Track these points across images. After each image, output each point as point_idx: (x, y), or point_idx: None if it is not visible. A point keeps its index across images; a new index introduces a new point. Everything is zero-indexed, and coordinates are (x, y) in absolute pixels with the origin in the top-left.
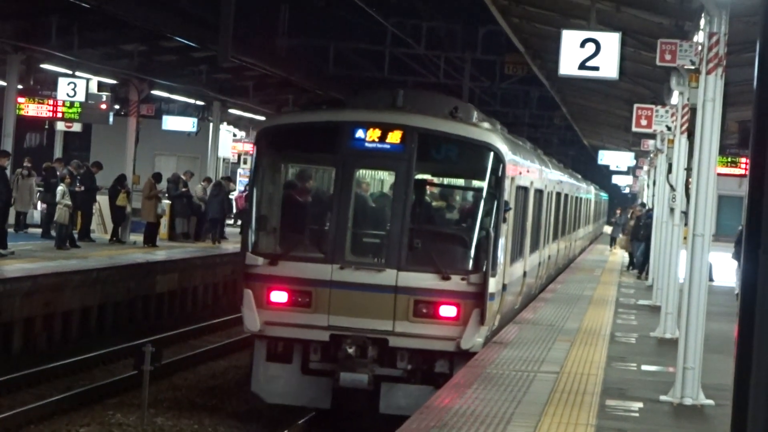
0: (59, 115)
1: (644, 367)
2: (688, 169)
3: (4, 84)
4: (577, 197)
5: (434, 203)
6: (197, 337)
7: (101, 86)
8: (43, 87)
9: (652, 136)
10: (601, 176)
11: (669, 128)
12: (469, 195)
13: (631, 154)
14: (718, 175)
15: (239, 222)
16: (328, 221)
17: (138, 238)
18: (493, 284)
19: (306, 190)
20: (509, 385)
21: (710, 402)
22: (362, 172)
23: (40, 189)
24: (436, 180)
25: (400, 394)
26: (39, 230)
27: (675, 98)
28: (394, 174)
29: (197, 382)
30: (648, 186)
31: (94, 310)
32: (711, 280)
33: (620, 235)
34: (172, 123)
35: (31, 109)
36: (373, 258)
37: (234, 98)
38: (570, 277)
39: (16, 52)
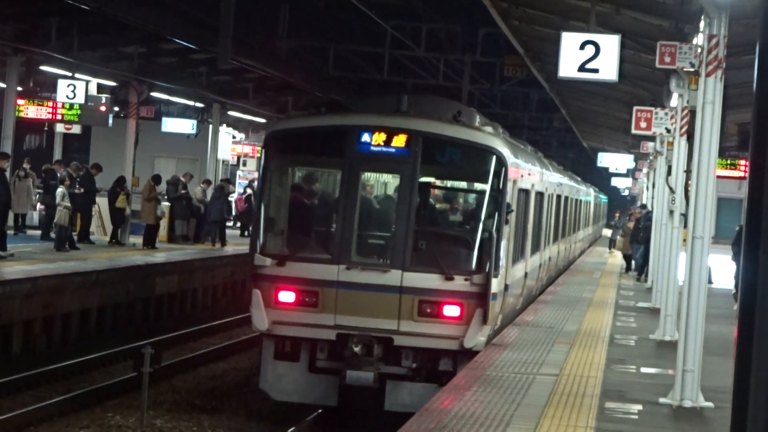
0: (59, 117)
1: (644, 370)
2: (688, 172)
3: (4, 86)
4: (576, 199)
5: (438, 205)
6: (197, 339)
7: (101, 88)
8: (42, 89)
9: (652, 138)
10: (600, 178)
11: (668, 130)
12: (472, 197)
13: (631, 157)
14: (718, 177)
15: (238, 224)
16: (334, 223)
17: (137, 240)
18: (495, 285)
19: (313, 193)
20: (509, 388)
21: (709, 404)
22: (366, 175)
23: (40, 191)
24: (439, 183)
25: (404, 391)
26: (38, 232)
27: (674, 100)
28: (399, 177)
29: (197, 384)
30: (647, 188)
31: (93, 312)
32: (710, 282)
33: (618, 237)
34: (171, 125)
35: (31, 111)
36: (378, 259)
37: (233, 100)
38: (569, 279)
39: (15, 54)
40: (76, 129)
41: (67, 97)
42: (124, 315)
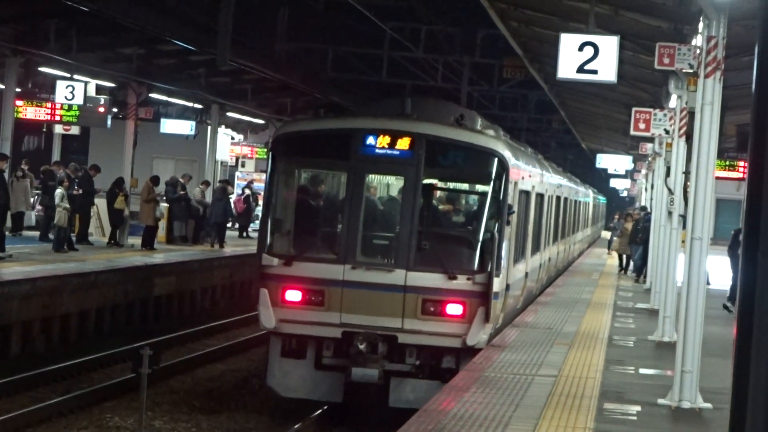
0: (57, 118)
1: (642, 371)
2: (687, 173)
3: (3, 87)
4: (575, 201)
5: (441, 207)
6: (195, 341)
7: (99, 89)
8: (41, 90)
9: (651, 139)
10: (599, 179)
11: (667, 131)
12: (475, 199)
13: (629, 158)
14: (717, 178)
15: (237, 225)
16: (340, 224)
17: (136, 241)
18: (497, 284)
19: (319, 194)
20: (507, 389)
21: (708, 405)
22: (371, 177)
23: (38, 192)
24: (442, 184)
25: (408, 388)
26: (34, 233)
27: (673, 102)
28: (403, 179)
29: (195, 385)
30: (646, 189)
31: (92, 313)
32: (707, 283)
33: (614, 238)
34: (170, 126)
35: (30, 112)
36: (383, 259)
37: (232, 101)
38: (568, 280)
39: (14, 55)
40: (74, 130)
41: (65, 98)
42: (123, 316)
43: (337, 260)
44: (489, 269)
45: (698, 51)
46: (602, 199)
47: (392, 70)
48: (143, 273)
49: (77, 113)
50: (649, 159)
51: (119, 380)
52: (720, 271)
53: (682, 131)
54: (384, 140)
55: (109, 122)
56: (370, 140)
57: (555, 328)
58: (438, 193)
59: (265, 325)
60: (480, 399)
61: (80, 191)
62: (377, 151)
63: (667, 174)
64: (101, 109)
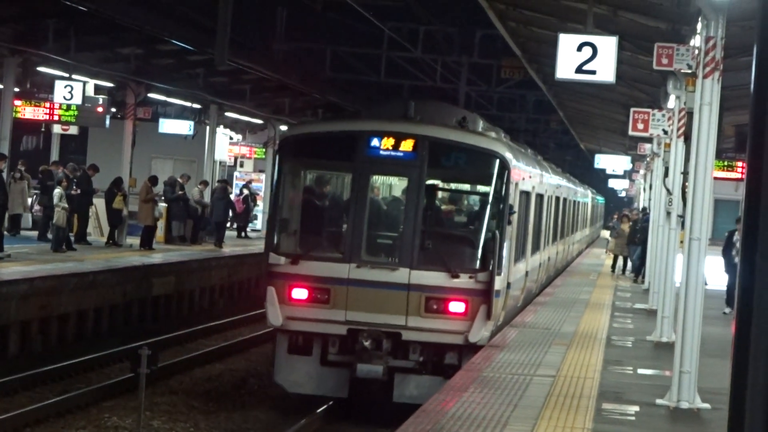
0: (56, 118)
1: (640, 371)
2: (685, 173)
3: (1, 87)
4: (574, 201)
5: (444, 207)
6: (194, 341)
7: (98, 89)
8: (39, 90)
9: (649, 139)
10: (597, 180)
11: (665, 132)
12: (477, 199)
13: (628, 158)
14: (715, 179)
15: (235, 225)
16: (345, 223)
17: (134, 241)
18: (498, 282)
19: (324, 195)
20: (506, 389)
21: (706, 406)
22: (374, 178)
23: (37, 192)
24: (445, 185)
25: (412, 384)
26: (31, 233)
27: (672, 102)
28: (406, 180)
29: (193, 385)
30: (644, 190)
31: (90, 313)
32: (706, 284)
33: (610, 239)
34: (168, 126)
35: (28, 111)
36: (387, 257)
37: (231, 101)
38: (567, 281)
39: (13, 55)
40: (73, 130)
41: (64, 98)
42: (121, 316)
43: (342, 259)
44: (491, 268)
45: (697, 51)
46: (600, 199)
47: (390, 70)
48: (141, 273)
49: (76, 113)
50: (648, 159)
51: (118, 380)
52: (718, 272)
53: (681, 132)
54: (388, 142)
55: (107, 122)
56: (375, 142)
57: (553, 329)
58: (441, 194)
59: (272, 323)
60: (478, 399)
61: (79, 191)
62: (381, 152)
63: (666, 174)
64: (100, 109)
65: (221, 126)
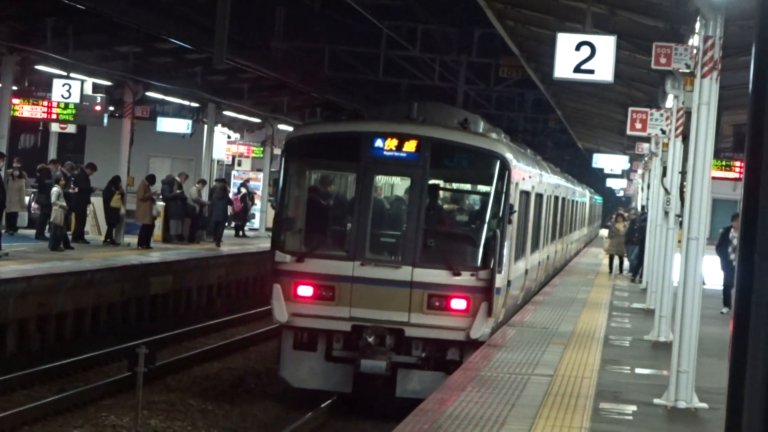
0: (54, 116)
1: (638, 371)
2: (683, 173)
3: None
4: (572, 200)
5: (446, 206)
6: (191, 339)
7: (96, 88)
8: (37, 88)
9: (647, 139)
10: (595, 179)
11: (664, 131)
12: (478, 199)
13: (626, 158)
14: (713, 178)
15: (233, 224)
16: (349, 222)
17: (132, 239)
18: (499, 280)
19: (329, 194)
20: (503, 388)
21: (704, 405)
22: (378, 178)
23: (35, 190)
24: (447, 185)
25: (415, 379)
26: (28, 231)
27: (670, 101)
28: (409, 179)
29: (191, 383)
30: (642, 189)
31: (88, 311)
32: (703, 283)
33: (604, 238)
34: (166, 125)
35: (26, 110)
36: (390, 256)
37: (229, 100)
38: (564, 280)
39: (11, 54)
40: (71, 128)
41: (62, 96)
42: (119, 315)
43: (346, 257)
44: (491, 266)
45: (695, 51)
46: (598, 198)
47: (389, 69)
48: (139, 271)
49: (74, 111)
50: (646, 159)
51: (115, 379)
52: (716, 271)
53: (679, 131)
54: (392, 143)
55: (105, 121)
56: (379, 143)
57: (551, 328)
58: (443, 194)
59: (278, 319)
60: (476, 398)
61: (76, 190)
62: (385, 153)
63: (664, 174)
64: (98, 108)
65: (219, 125)
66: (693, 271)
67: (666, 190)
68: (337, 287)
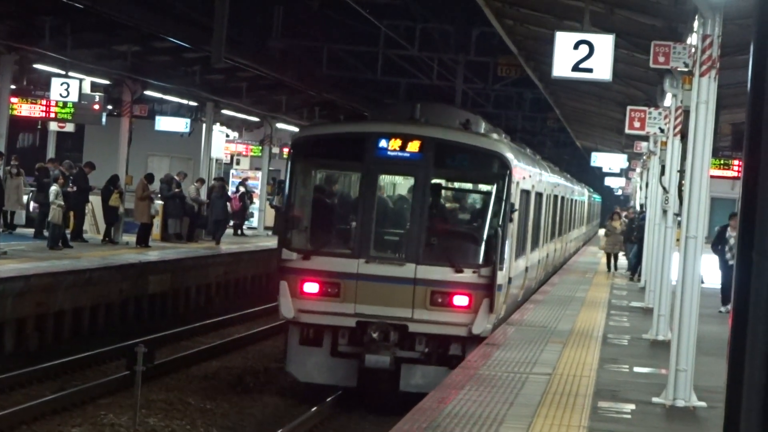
0: (52, 115)
1: (636, 369)
2: (681, 171)
3: None
4: (571, 199)
5: (449, 205)
6: (190, 338)
7: (94, 87)
8: (36, 87)
9: (645, 138)
10: (593, 178)
11: (662, 130)
12: (480, 198)
13: (624, 156)
14: (711, 177)
15: (231, 223)
16: (354, 221)
17: (131, 238)
18: (500, 277)
19: (335, 193)
20: (501, 387)
21: (702, 404)
22: (382, 177)
23: (33, 189)
24: (450, 184)
25: (418, 373)
26: (26, 230)
27: (668, 100)
28: (413, 179)
29: (190, 382)
30: (641, 188)
31: (86, 310)
32: (702, 282)
33: (601, 236)
34: (165, 123)
35: (24, 109)
36: (394, 253)
37: (227, 99)
38: (563, 279)
39: (9, 53)
40: (69, 127)
41: (60, 95)
42: (117, 313)
43: (352, 255)
44: (493, 263)
45: (693, 50)
46: (597, 197)
47: (387, 68)
48: (138, 270)
49: (72, 110)
50: (644, 157)
51: (114, 377)
52: (714, 269)
53: (677, 130)
54: (396, 143)
55: (104, 119)
56: (383, 143)
57: (550, 327)
58: (445, 193)
59: (284, 315)
60: (474, 397)
61: (75, 188)
62: (389, 153)
63: (662, 172)
64: (96, 107)
65: (218, 123)
66: (691, 269)
67: (664, 188)
68: (342, 284)
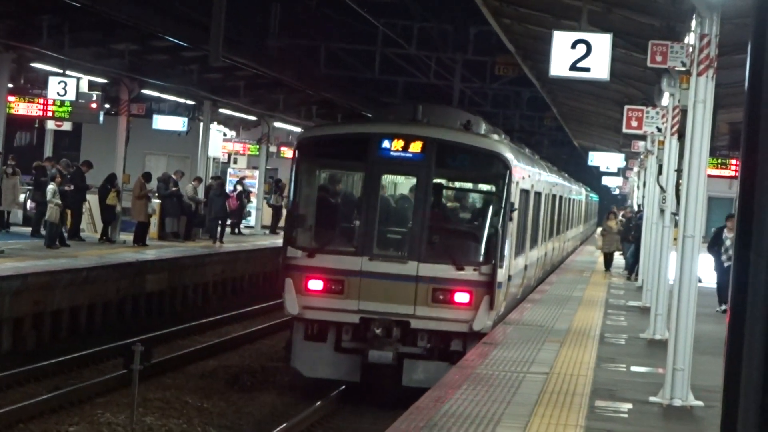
0: (50, 114)
1: (634, 368)
2: (679, 171)
3: None
4: (569, 199)
5: (450, 204)
6: (187, 337)
7: (92, 85)
8: (33, 86)
9: (643, 137)
10: (591, 177)
11: (659, 130)
12: (480, 197)
13: (622, 156)
14: (709, 176)
15: (229, 222)
16: (358, 220)
17: (128, 237)
18: (500, 275)
19: (338, 193)
20: (499, 386)
21: (699, 403)
22: (384, 177)
23: (30, 187)
24: (451, 184)
25: (420, 369)
26: (22, 229)
27: (666, 100)
28: (415, 179)
29: (186, 381)
30: (638, 187)
31: (83, 309)
32: (699, 281)
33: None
34: (162, 122)
35: (22, 107)
36: (397, 251)
37: (225, 98)
38: (560, 278)
39: (6, 51)
40: (66, 126)
41: (58, 94)
42: (115, 312)
43: (355, 253)
44: (493, 261)
45: (691, 49)
46: (594, 196)
47: (385, 66)
48: (135, 269)
49: (69, 109)
50: (642, 157)
51: (111, 376)
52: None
53: (675, 129)
54: (398, 144)
55: (101, 118)
56: (386, 144)
57: (547, 326)
58: (447, 192)
59: (289, 312)
60: (471, 396)
61: (72, 187)
62: (392, 153)
63: (660, 172)
64: (93, 105)
65: (215, 122)
66: (689, 269)
67: (662, 188)
68: (346, 281)
